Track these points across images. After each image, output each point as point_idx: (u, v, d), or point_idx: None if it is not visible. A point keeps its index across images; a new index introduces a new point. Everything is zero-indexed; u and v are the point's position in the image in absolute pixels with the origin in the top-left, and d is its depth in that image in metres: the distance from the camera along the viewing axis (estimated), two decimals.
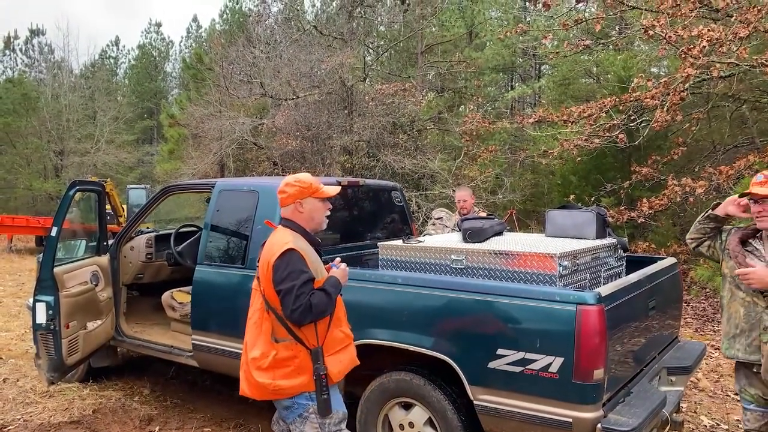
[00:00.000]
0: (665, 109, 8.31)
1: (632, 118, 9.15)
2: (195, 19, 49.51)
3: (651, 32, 7.32)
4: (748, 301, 3.07)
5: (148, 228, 5.59)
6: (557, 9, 10.61)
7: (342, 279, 2.83)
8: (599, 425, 2.90)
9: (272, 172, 14.50)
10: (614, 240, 3.99)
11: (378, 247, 3.99)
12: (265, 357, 2.66)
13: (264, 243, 2.84)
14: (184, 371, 5.53)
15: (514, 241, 3.83)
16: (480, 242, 3.77)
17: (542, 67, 22.31)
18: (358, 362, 2.93)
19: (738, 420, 4.49)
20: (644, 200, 8.55)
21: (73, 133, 26.73)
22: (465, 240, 3.79)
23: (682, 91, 8.43)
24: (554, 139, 10.56)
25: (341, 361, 2.78)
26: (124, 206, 13.55)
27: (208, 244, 4.46)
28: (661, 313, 3.83)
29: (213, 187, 4.63)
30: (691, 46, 7.38)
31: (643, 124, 9.20)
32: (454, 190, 12.91)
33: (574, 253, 3.44)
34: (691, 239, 3.36)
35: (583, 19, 8.72)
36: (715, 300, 8.52)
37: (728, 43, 7.55)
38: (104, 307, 4.82)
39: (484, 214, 4.87)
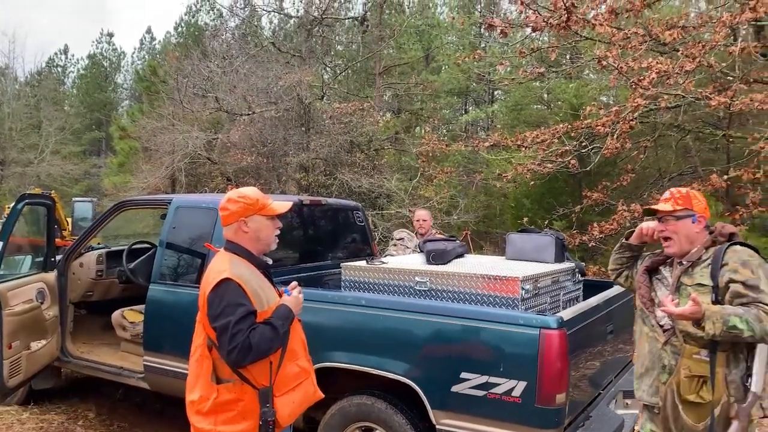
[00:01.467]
0: (615, 137, 8.60)
1: (583, 144, 9.41)
2: (149, 31, 48.65)
3: (604, 62, 7.56)
4: (651, 337, 2.70)
5: (98, 244, 5.40)
6: (512, 37, 10.89)
7: (295, 307, 2.49)
8: None
9: (225, 187, 14.27)
10: (572, 264, 4.07)
11: (339, 267, 3.95)
12: (205, 400, 2.34)
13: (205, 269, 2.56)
14: (133, 394, 5.33)
15: (476, 264, 3.86)
16: (443, 264, 3.78)
17: (495, 92, 22.79)
18: (321, 396, 2.65)
19: None
20: (595, 224, 8.77)
21: (15, 143, 25.76)
22: (428, 262, 3.79)
23: (631, 120, 8.73)
24: (508, 162, 10.75)
25: (294, 401, 2.46)
26: (69, 219, 13.11)
27: (163, 262, 4.33)
28: (618, 338, 3.91)
29: (170, 203, 4.51)
30: (641, 77, 7.67)
31: (594, 151, 9.48)
32: (410, 210, 13.02)
33: (536, 276, 3.49)
34: (611, 270, 3.04)
35: (539, 48, 8.95)
36: None
37: (675, 75, 7.88)
38: (50, 326, 4.61)
39: (440, 236, 4.89)
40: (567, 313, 3.15)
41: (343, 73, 17.56)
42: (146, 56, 41.31)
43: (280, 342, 2.36)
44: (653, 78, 7.59)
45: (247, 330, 2.25)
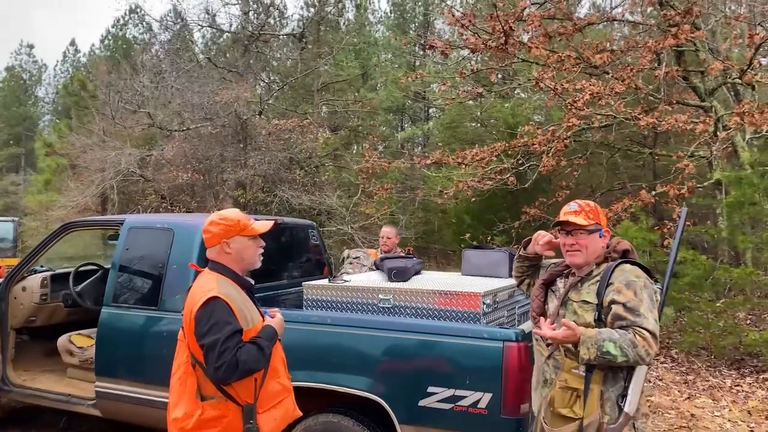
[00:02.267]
0: (551, 154, 8.99)
1: (520, 162, 9.78)
2: (73, 43, 47.02)
3: (541, 84, 7.92)
4: (538, 350, 2.70)
5: (41, 267, 5.19)
6: (451, 57, 11.20)
7: (279, 329, 2.59)
8: None
9: (160, 205, 13.92)
10: None
11: (295, 287, 3.97)
12: (189, 417, 2.37)
13: (189, 288, 2.60)
14: (78, 422, 5.12)
15: (434, 280, 3.96)
16: (404, 281, 3.86)
17: (430, 110, 23.28)
18: (299, 414, 2.71)
19: None
20: None
21: None
22: (390, 279, 3.87)
23: (565, 139, 9.18)
24: (448, 179, 11.00)
25: (275, 418, 2.52)
26: None
27: (116, 284, 4.22)
28: None
29: (122, 224, 4.40)
30: (576, 98, 8.07)
31: (530, 168, 9.86)
32: (351, 227, 13.13)
33: (495, 291, 3.62)
34: (515, 278, 3.03)
35: (478, 69, 9.26)
36: None
37: (606, 96, 8.34)
38: None
39: (403, 253, 4.98)
40: (526, 326, 3.28)
41: (281, 90, 17.50)
42: (70, 69, 39.79)
43: (265, 361, 2.43)
44: (587, 99, 8.01)
45: (234, 348, 2.31)
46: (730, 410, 5.53)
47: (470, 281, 3.91)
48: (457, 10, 10.87)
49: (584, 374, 2.41)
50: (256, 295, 2.91)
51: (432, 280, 3.96)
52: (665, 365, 7.02)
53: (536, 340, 2.70)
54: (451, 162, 10.14)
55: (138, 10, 30.59)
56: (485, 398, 3.07)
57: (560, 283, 2.70)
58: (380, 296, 3.65)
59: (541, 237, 2.77)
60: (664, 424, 5.25)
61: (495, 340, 3.10)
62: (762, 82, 8.08)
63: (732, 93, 9.71)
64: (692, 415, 5.43)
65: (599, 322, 2.45)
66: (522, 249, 2.92)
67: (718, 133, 8.23)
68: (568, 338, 2.40)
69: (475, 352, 3.14)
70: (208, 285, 2.46)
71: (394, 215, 14.18)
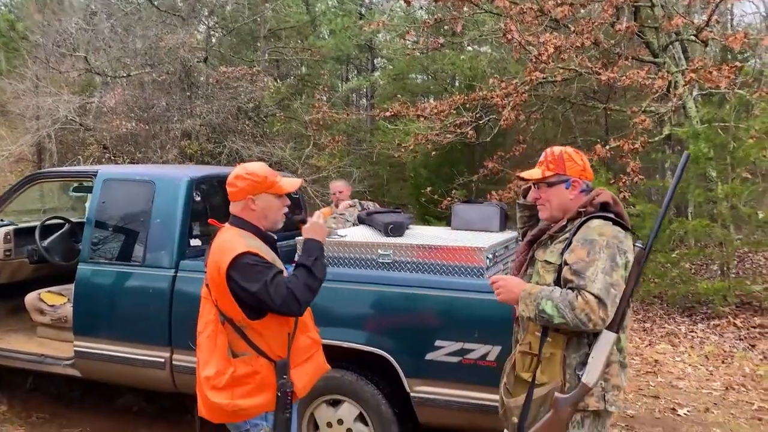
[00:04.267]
0: (510, 108, 9.04)
1: (478, 115, 9.80)
2: None
3: (509, 36, 7.87)
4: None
5: (2, 221, 4.85)
6: (402, 7, 10.99)
7: (317, 235, 2.46)
8: None
9: (102, 156, 13.26)
10: (516, 233, 4.27)
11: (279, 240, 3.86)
12: (222, 375, 2.33)
13: (210, 243, 2.50)
14: (46, 382, 4.92)
15: (430, 235, 3.94)
16: (400, 236, 3.82)
17: (376, 61, 22.93)
18: (329, 368, 2.71)
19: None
20: (493, 193, 9.19)
21: None
22: (386, 234, 3.81)
23: (524, 93, 9.24)
24: (405, 133, 10.92)
25: (307, 372, 2.52)
26: None
27: (92, 239, 3.99)
28: None
29: (95, 175, 4.15)
30: (540, 52, 8.09)
31: (489, 122, 9.91)
32: (306, 180, 12.91)
33: (495, 245, 3.63)
34: (519, 229, 2.88)
35: (441, 19, 9.12)
36: None
37: (568, 51, 8.41)
38: None
39: (382, 208, 4.92)
40: None
41: (227, 36, 16.79)
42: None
43: (318, 274, 2.38)
44: (551, 53, 8.04)
45: (283, 282, 2.29)
46: (689, 355, 5.86)
47: (466, 236, 3.91)
48: None
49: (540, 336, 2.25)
50: None
51: (428, 235, 3.94)
52: None
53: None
54: (410, 114, 10.07)
55: None
56: (494, 351, 3.11)
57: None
58: (380, 251, 3.59)
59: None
60: (632, 370, 5.52)
61: None
62: (716, 39, 8.30)
63: (681, 50, 9.98)
64: (656, 360, 5.72)
65: (558, 284, 2.24)
66: (522, 197, 2.78)
67: (670, 89, 8.47)
68: (506, 298, 2.33)
69: (484, 306, 3.15)
70: (233, 241, 2.36)
71: (345, 168, 14.05)
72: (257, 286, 2.27)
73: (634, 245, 2.25)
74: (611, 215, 2.27)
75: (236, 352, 2.36)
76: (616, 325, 2.15)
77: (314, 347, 2.60)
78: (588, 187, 2.40)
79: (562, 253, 2.27)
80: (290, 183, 2.54)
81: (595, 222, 2.25)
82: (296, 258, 3.87)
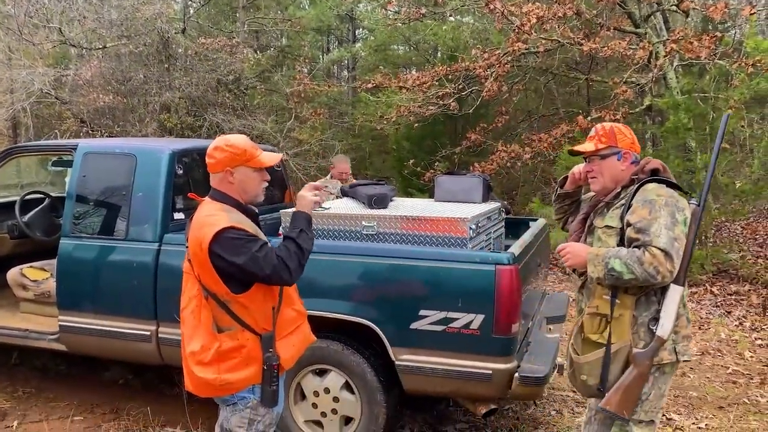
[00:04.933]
0: (493, 79, 9.01)
1: (461, 87, 9.76)
2: None
3: (491, 6, 7.82)
4: (573, 282, 2.76)
5: None
6: None
7: (304, 206, 2.48)
8: (516, 374, 3.19)
9: (80, 130, 13.04)
10: (499, 203, 4.31)
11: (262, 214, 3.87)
12: (207, 350, 2.33)
13: (191, 218, 2.47)
14: (30, 357, 4.91)
15: (414, 207, 3.97)
16: (384, 208, 3.84)
17: (357, 32, 22.66)
18: (314, 339, 2.73)
19: None
20: (476, 165, 9.22)
21: None
22: (370, 206, 3.83)
23: (506, 64, 9.20)
24: (387, 105, 10.86)
25: (294, 344, 2.52)
26: None
27: (74, 214, 3.96)
28: (541, 269, 4.26)
29: (74, 148, 4.10)
30: (523, 21, 8.05)
31: (472, 93, 9.88)
32: (287, 153, 12.83)
33: (478, 216, 3.67)
34: (556, 219, 3.06)
35: None
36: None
37: (550, 21, 8.38)
38: None
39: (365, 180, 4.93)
40: (516, 249, 3.36)
41: (204, 6, 16.47)
42: None
43: (305, 245, 2.40)
44: (533, 23, 8.01)
45: (271, 251, 2.30)
46: None
47: (449, 207, 3.94)
48: None
49: (610, 299, 2.40)
50: None
51: (411, 207, 3.96)
52: None
53: (568, 274, 2.69)
54: (392, 86, 10.00)
55: None
56: (477, 319, 3.16)
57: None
58: (364, 223, 3.62)
59: (576, 171, 2.79)
60: None
61: (487, 264, 3.16)
62: (697, 9, 8.31)
63: (662, 20, 9.99)
64: None
65: (621, 246, 2.43)
66: (559, 187, 2.93)
67: (651, 59, 8.50)
68: (574, 262, 2.48)
69: (468, 275, 3.19)
70: (215, 216, 2.33)
71: (327, 141, 13.96)
72: (243, 258, 2.25)
73: (688, 203, 2.44)
74: (662, 179, 2.48)
75: (221, 326, 2.35)
76: (682, 279, 2.36)
77: (300, 319, 2.61)
78: (636, 159, 2.58)
79: (622, 217, 2.45)
80: (270, 157, 2.51)
81: (651, 185, 2.44)
82: (281, 230, 3.90)
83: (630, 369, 2.40)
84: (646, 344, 2.41)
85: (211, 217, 2.33)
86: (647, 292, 2.41)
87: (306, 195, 2.53)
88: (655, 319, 2.39)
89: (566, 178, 2.89)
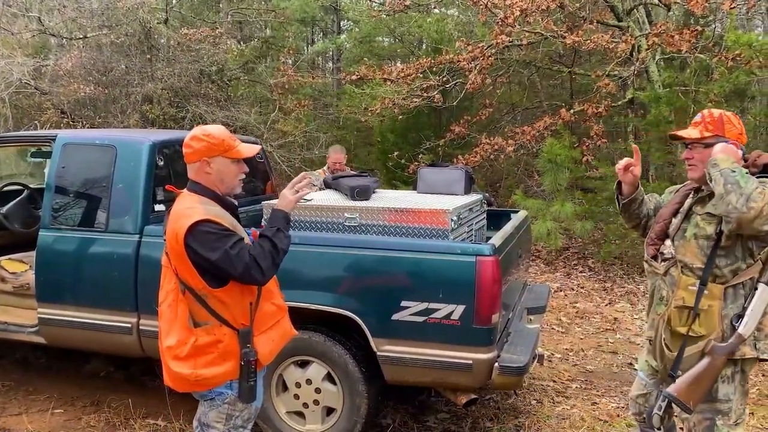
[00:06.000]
0: (477, 71, 9.03)
1: (445, 79, 9.78)
2: None
3: None
4: (650, 272, 2.65)
5: None
6: None
7: (284, 205, 2.45)
8: (496, 364, 3.22)
9: (60, 121, 12.87)
10: (481, 195, 4.33)
11: (245, 206, 3.86)
12: (183, 344, 2.30)
13: (168, 210, 2.44)
14: (10, 350, 4.87)
15: (396, 198, 3.98)
16: (367, 199, 3.84)
17: (342, 23, 22.57)
18: (295, 334, 2.70)
19: (567, 348, 5.24)
20: (460, 157, 9.25)
21: None
22: (353, 197, 3.83)
23: (490, 56, 9.23)
24: (372, 97, 10.85)
25: (273, 339, 2.49)
26: None
27: (53, 205, 3.92)
28: (523, 260, 4.29)
29: (53, 139, 4.05)
30: (507, 14, 8.07)
31: (456, 86, 9.89)
32: (270, 146, 12.77)
33: (459, 208, 3.68)
34: (632, 227, 2.93)
35: None
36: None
37: (533, 14, 8.41)
38: None
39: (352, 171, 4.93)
40: (496, 240, 3.39)
41: None
42: None
43: (281, 245, 2.36)
44: (517, 15, 8.03)
45: (245, 249, 2.27)
46: (647, 313, 6.06)
47: (431, 199, 3.95)
48: None
49: (697, 288, 2.37)
50: None
51: (394, 198, 3.97)
52: (584, 274, 7.54)
53: (646, 261, 2.65)
54: (377, 78, 9.99)
55: None
56: (458, 310, 3.17)
57: (688, 201, 2.59)
58: (346, 215, 3.62)
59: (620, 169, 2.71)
60: (591, 328, 5.71)
61: (468, 255, 3.18)
62: (679, 3, 8.38)
63: (645, 14, 10.06)
64: (615, 318, 5.92)
65: (719, 234, 2.37)
66: (618, 195, 2.81)
67: (634, 53, 8.56)
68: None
69: (448, 266, 3.21)
70: (192, 208, 2.31)
71: (312, 133, 13.91)
72: (217, 255, 2.23)
73: None
74: None
75: (198, 321, 2.33)
76: None
77: (279, 314, 2.57)
78: (743, 151, 2.46)
79: None
80: (248, 148, 2.47)
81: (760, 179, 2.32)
82: (262, 222, 3.89)
83: (705, 360, 2.37)
84: (727, 338, 2.36)
85: (188, 209, 2.31)
86: (735, 286, 2.37)
87: (287, 194, 2.50)
88: (739, 316, 2.35)
89: (619, 184, 2.77)
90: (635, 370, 4.66)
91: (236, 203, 2.55)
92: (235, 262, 2.23)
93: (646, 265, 2.70)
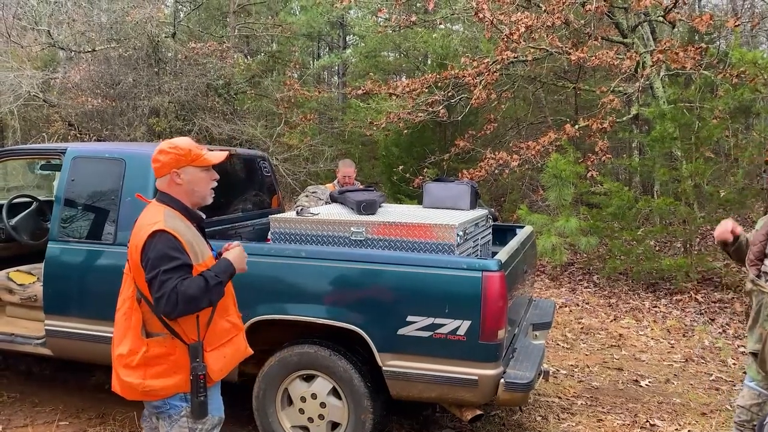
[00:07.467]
0: (482, 87, 9.08)
1: (450, 94, 9.83)
2: None
3: (480, 15, 7.89)
4: (755, 291, 2.91)
5: None
6: None
7: (237, 262, 2.44)
8: (502, 380, 3.22)
9: (68, 133, 12.98)
10: (486, 210, 4.35)
11: (251, 219, 3.88)
12: (134, 354, 2.30)
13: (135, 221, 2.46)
14: (15, 362, 4.88)
15: (403, 213, 4.00)
16: (373, 214, 3.86)
17: (348, 38, 22.72)
18: (251, 352, 2.65)
19: (573, 364, 5.22)
20: (464, 171, 9.28)
21: None
22: (359, 212, 3.85)
23: (495, 72, 9.28)
24: (377, 111, 10.91)
25: (225, 355, 2.44)
26: None
27: (62, 218, 3.95)
28: (528, 276, 4.29)
29: (63, 153, 4.09)
30: (512, 31, 8.13)
31: (461, 101, 9.94)
32: (276, 159, 12.83)
33: (466, 223, 3.70)
34: (737, 262, 3.25)
35: None
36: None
37: (539, 30, 8.46)
38: None
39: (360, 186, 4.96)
40: (502, 255, 3.40)
41: (195, 10, 16.46)
42: None
43: (210, 296, 2.29)
44: (522, 32, 8.09)
45: (176, 280, 2.21)
46: (651, 329, 6.05)
47: (437, 214, 3.97)
48: None
49: None
50: (208, 229, 2.78)
51: (400, 213, 3.99)
52: (589, 290, 7.53)
53: (752, 281, 2.91)
54: (382, 93, 10.05)
55: None
56: (464, 326, 3.18)
57: None
58: (352, 229, 3.64)
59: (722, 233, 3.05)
60: (596, 344, 5.69)
61: (474, 270, 3.19)
62: (684, 21, 8.43)
63: (649, 31, 10.12)
64: (620, 335, 5.90)
65: None
66: (724, 246, 3.19)
67: (638, 69, 8.61)
68: None
69: (454, 282, 3.21)
70: (154, 218, 2.33)
71: (317, 147, 13.97)
72: (151, 275, 2.23)
73: None
74: None
75: (151, 332, 2.34)
76: None
77: (234, 331, 2.54)
78: None
79: None
80: (216, 156, 2.48)
81: None
82: (269, 236, 3.90)
83: None
84: None
85: (151, 219, 2.34)
86: None
87: (242, 251, 2.51)
88: None
89: (723, 243, 3.15)
90: (640, 386, 4.66)
91: (203, 216, 2.54)
92: (157, 285, 2.21)
93: (750, 285, 2.94)
